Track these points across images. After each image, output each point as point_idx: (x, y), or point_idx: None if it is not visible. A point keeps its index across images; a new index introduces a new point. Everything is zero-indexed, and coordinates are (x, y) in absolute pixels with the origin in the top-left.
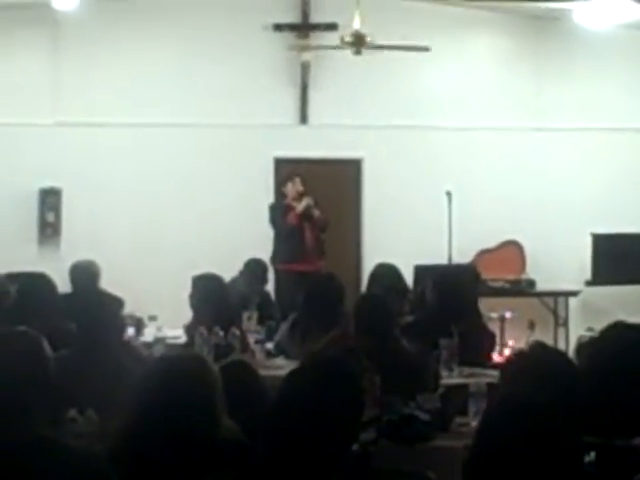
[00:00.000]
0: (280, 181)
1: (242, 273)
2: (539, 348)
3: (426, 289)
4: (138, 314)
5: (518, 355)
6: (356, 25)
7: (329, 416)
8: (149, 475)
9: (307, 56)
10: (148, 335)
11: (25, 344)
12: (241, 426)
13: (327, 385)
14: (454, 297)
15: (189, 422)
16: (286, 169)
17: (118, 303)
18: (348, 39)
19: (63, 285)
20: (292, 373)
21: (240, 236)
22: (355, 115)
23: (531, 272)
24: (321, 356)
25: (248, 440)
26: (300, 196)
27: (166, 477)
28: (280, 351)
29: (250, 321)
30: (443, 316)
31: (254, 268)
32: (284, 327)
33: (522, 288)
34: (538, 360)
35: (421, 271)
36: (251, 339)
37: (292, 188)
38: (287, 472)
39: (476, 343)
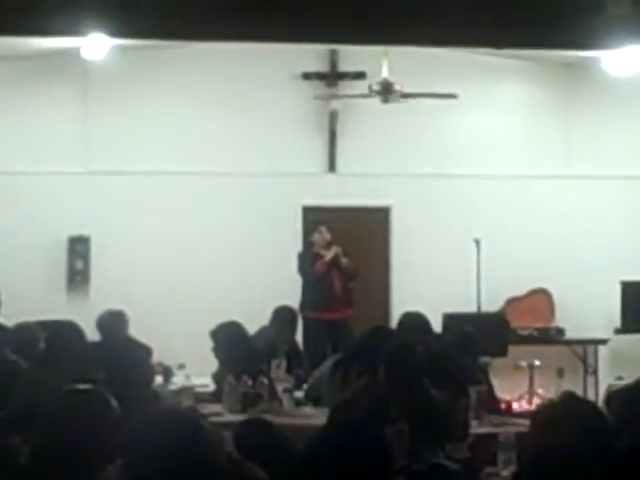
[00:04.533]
0: (308, 229)
1: (271, 321)
2: (571, 399)
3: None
4: (166, 362)
5: (549, 406)
6: (384, 74)
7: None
8: None
9: (335, 104)
10: (176, 383)
11: (95, 402)
12: None
13: (351, 453)
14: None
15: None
16: (314, 217)
17: (146, 351)
18: (376, 87)
19: (91, 333)
20: (317, 439)
21: (268, 284)
22: (383, 163)
23: (560, 320)
24: (345, 421)
25: None
26: (328, 245)
27: None
28: (312, 398)
29: (278, 369)
30: (472, 365)
31: (283, 316)
32: (323, 371)
33: (551, 336)
34: (570, 411)
35: (450, 319)
36: (279, 388)
37: (319, 237)
38: None
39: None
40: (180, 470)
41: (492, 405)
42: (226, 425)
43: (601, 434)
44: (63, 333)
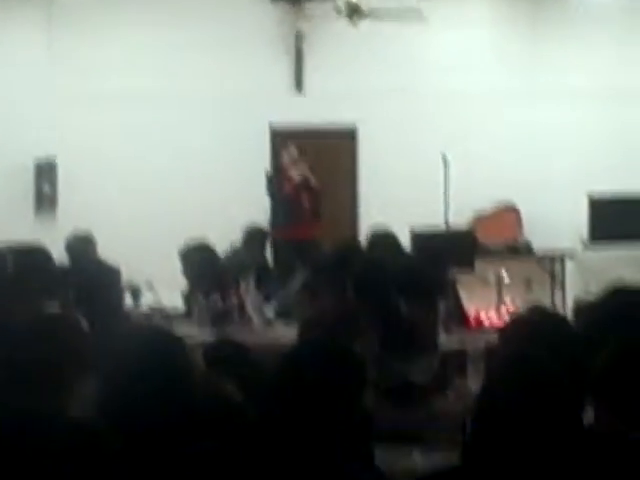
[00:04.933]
0: (276, 149)
1: (241, 241)
2: (539, 312)
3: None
4: (136, 283)
5: (517, 319)
6: None
7: (327, 397)
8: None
9: (302, 25)
10: (146, 303)
11: (64, 325)
12: None
13: (322, 370)
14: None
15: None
16: (282, 137)
17: (115, 273)
18: (342, 7)
19: (60, 257)
20: (290, 356)
21: (236, 204)
22: (350, 82)
23: (528, 234)
24: (315, 338)
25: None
26: (295, 164)
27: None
28: (282, 315)
29: (248, 288)
30: (441, 279)
31: (252, 234)
32: (292, 289)
33: (519, 250)
34: (538, 324)
35: (418, 235)
36: (249, 305)
37: (288, 156)
38: (285, 442)
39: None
40: (158, 386)
41: (461, 319)
42: (197, 345)
43: (569, 347)
44: (32, 257)
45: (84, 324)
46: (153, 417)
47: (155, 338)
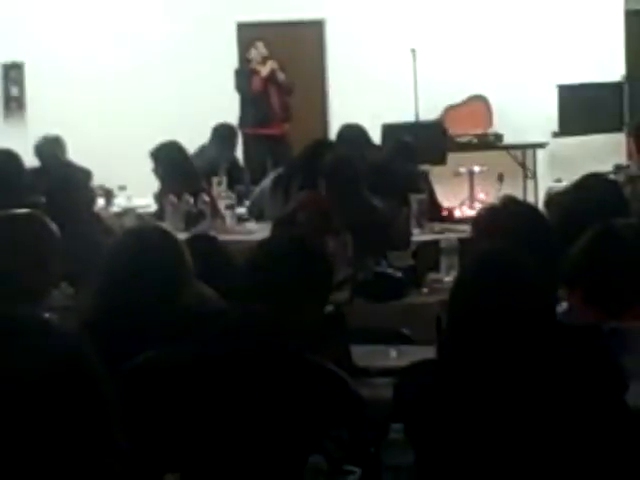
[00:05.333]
0: (243, 46)
1: (211, 139)
2: (511, 202)
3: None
4: (108, 185)
5: (489, 210)
6: None
7: (295, 291)
8: (115, 346)
9: None
10: (118, 205)
11: (33, 225)
12: None
13: (290, 264)
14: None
15: (153, 292)
16: (249, 33)
17: (86, 175)
18: None
19: (29, 160)
20: (257, 252)
21: (206, 102)
22: None
23: (498, 126)
24: (280, 236)
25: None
26: (264, 60)
27: (128, 347)
28: (254, 213)
29: (220, 187)
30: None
31: (222, 133)
32: (263, 186)
33: (490, 142)
34: (510, 215)
35: (389, 130)
36: (221, 205)
37: (256, 53)
38: (256, 337)
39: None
40: (154, 281)
41: (435, 212)
42: None
43: (542, 237)
44: (1, 161)
45: (52, 225)
46: (148, 309)
47: (153, 236)
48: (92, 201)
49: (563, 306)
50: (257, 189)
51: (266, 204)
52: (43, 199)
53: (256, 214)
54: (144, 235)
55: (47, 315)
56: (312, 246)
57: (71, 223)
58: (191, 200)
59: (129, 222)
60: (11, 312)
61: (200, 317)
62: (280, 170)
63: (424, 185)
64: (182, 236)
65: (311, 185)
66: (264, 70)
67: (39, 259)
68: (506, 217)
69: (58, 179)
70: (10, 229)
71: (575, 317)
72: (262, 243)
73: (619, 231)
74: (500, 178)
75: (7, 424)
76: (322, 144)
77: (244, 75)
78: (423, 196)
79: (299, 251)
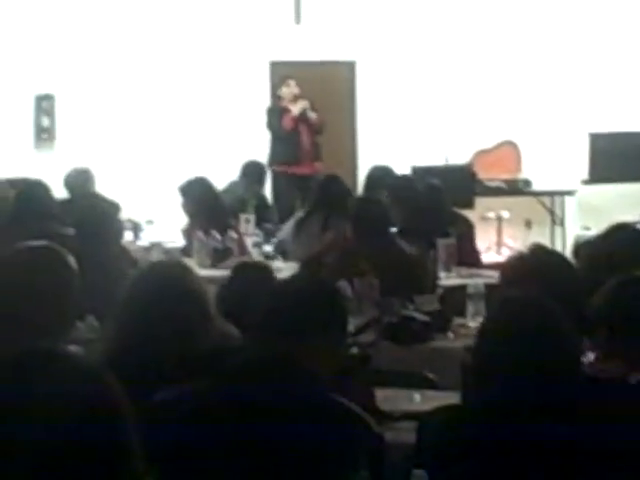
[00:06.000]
0: (276, 84)
1: (240, 176)
2: (539, 250)
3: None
4: (136, 218)
5: (518, 258)
6: None
7: (311, 331)
8: (135, 382)
9: None
10: (145, 239)
11: (49, 259)
12: None
13: (308, 305)
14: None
15: (172, 330)
16: (282, 71)
17: (114, 207)
18: None
19: (58, 191)
20: (276, 292)
21: (236, 139)
22: (350, 16)
23: (527, 172)
24: (298, 277)
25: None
26: (296, 99)
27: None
28: (280, 251)
29: (248, 224)
30: (441, 217)
31: (251, 170)
32: (288, 227)
33: (519, 188)
34: (539, 263)
35: (419, 173)
36: (249, 242)
37: (287, 91)
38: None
39: (470, 245)
40: (177, 317)
41: (474, 256)
42: None
43: (570, 286)
44: (32, 190)
45: (70, 259)
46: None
47: (174, 273)
48: (120, 234)
49: (588, 357)
50: (284, 227)
51: (290, 243)
52: (71, 230)
53: (283, 252)
54: (164, 271)
55: (71, 348)
56: (330, 288)
57: (99, 255)
58: (219, 237)
59: (156, 256)
60: (34, 346)
61: (220, 354)
62: (305, 209)
63: (465, 228)
64: (208, 272)
65: (330, 223)
66: (295, 109)
67: (57, 294)
68: (535, 265)
69: (87, 211)
70: (28, 264)
71: (600, 368)
72: (281, 284)
73: None
74: (528, 224)
75: (31, 458)
76: (330, 180)
77: (275, 113)
78: (451, 240)
79: (317, 293)
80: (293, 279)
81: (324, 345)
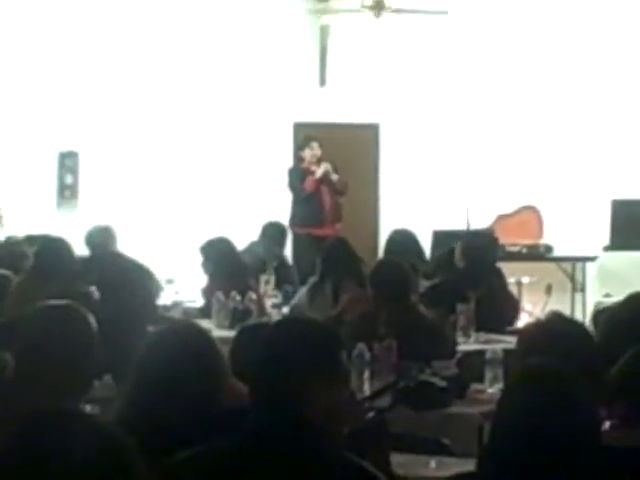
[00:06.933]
0: (299, 145)
1: (261, 237)
2: (558, 318)
3: (455, 253)
4: (155, 277)
5: (535, 325)
6: None
7: (303, 377)
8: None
9: (327, 19)
10: (165, 299)
11: (68, 319)
12: None
13: (292, 350)
14: (482, 260)
15: (186, 393)
16: (305, 132)
17: (148, 274)
18: (368, 2)
19: (81, 248)
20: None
21: (258, 199)
22: (374, 79)
23: (549, 237)
24: (287, 322)
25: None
26: (318, 161)
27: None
28: (296, 314)
29: (267, 285)
30: (469, 280)
31: (272, 231)
32: (303, 291)
33: (539, 253)
34: (555, 332)
35: (440, 237)
36: (268, 303)
37: (310, 153)
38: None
39: (497, 308)
40: (192, 380)
41: (513, 307)
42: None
43: (588, 356)
44: (52, 247)
45: (90, 319)
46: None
47: (191, 336)
48: (154, 301)
49: (606, 425)
50: (298, 292)
51: (304, 307)
52: (92, 288)
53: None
54: (179, 333)
55: (86, 408)
56: (321, 330)
57: (119, 314)
58: (238, 297)
59: (176, 316)
60: (50, 406)
61: (234, 415)
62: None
63: (501, 282)
64: (226, 333)
65: (342, 288)
66: (318, 170)
67: (75, 355)
68: (553, 334)
69: (108, 269)
70: (46, 324)
71: (617, 437)
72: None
73: None
74: (548, 290)
75: None
76: (337, 245)
77: (297, 174)
78: (470, 305)
79: (304, 336)
80: (278, 326)
81: (323, 390)
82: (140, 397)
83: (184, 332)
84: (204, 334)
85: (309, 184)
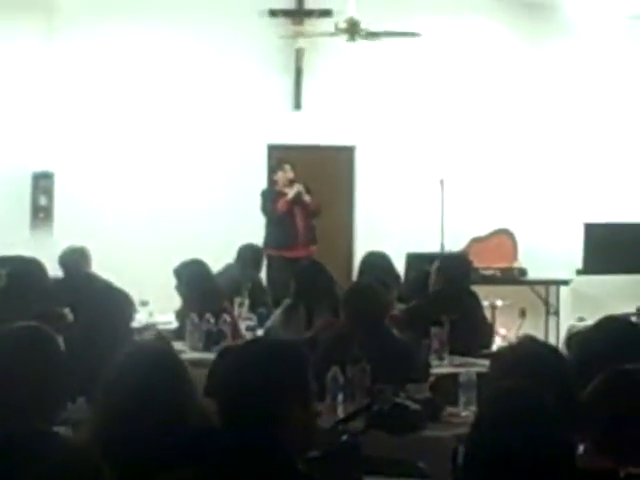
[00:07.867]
0: (272, 167)
1: (235, 259)
2: (530, 341)
3: (430, 275)
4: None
5: (508, 349)
6: (351, 11)
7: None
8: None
9: (302, 42)
10: (139, 321)
11: (35, 341)
12: None
13: (256, 369)
14: (457, 284)
15: (153, 415)
16: (279, 155)
17: (122, 295)
18: (342, 25)
19: (55, 269)
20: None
21: (232, 222)
22: (349, 102)
23: (522, 261)
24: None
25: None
26: (291, 183)
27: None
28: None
29: (242, 307)
30: (443, 303)
31: (247, 254)
32: (277, 313)
33: (513, 276)
34: (528, 355)
35: (413, 259)
36: (243, 326)
37: (282, 175)
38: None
39: (471, 331)
40: (160, 400)
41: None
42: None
43: (561, 379)
44: (25, 269)
45: (57, 339)
46: (151, 437)
47: (159, 358)
48: (129, 324)
49: (579, 449)
50: (272, 315)
51: (278, 330)
52: (67, 310)
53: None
54: (146, 355)
55: (59, 430)
56: (286, 350)
57: (93, 336)
58: (212, 319)
59: (147, 338)
60: (20, 428)
61: (203, 436)
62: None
63: (475, 305)
64: (199, 355)
65: (315, 311)
66: (290, 192)
67: (42, 376)
68: (525, 357)
69: (82, 290)
70: (13, 345)
71: (590, 461)
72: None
73: (631, 375)
74: (522, 313)
75: None
76: (311, 268)
77: (270, 196)
78: (444, 328)
79: (270, 357)
80: (242, 346)
81: (291, 409)
82: (109, 418)
83: (152, 352)
84: (171, 354)
85: (281, 205)
